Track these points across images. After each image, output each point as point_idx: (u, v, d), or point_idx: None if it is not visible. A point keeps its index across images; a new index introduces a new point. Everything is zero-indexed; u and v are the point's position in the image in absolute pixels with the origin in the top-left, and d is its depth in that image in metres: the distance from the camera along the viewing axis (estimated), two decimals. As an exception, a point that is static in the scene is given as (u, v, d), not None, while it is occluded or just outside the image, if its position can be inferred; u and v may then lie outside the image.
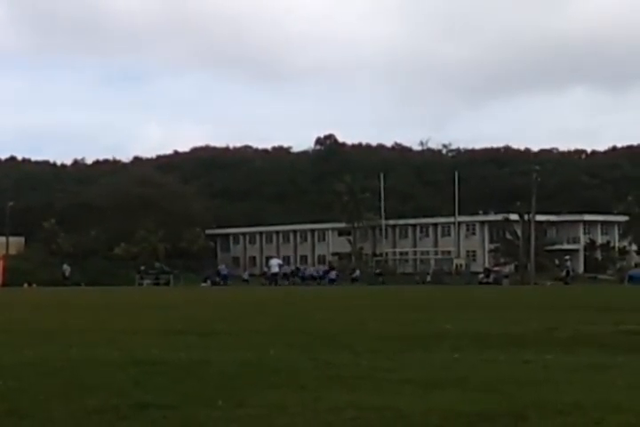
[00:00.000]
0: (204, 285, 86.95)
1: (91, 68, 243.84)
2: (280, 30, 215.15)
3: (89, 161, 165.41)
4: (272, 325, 16.04)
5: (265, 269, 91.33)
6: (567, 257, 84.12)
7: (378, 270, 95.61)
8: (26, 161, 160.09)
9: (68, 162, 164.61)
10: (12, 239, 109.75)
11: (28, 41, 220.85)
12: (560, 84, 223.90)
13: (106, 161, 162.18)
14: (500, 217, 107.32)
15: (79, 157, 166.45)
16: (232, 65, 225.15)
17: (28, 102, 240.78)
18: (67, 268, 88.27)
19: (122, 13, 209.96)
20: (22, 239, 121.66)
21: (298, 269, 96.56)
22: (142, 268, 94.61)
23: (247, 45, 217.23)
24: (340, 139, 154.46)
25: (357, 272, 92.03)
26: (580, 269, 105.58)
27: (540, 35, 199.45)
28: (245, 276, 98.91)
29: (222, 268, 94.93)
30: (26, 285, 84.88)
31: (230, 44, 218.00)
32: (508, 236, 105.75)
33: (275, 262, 75.89)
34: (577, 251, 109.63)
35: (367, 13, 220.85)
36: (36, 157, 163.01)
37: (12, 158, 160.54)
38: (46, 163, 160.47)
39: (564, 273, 78.93)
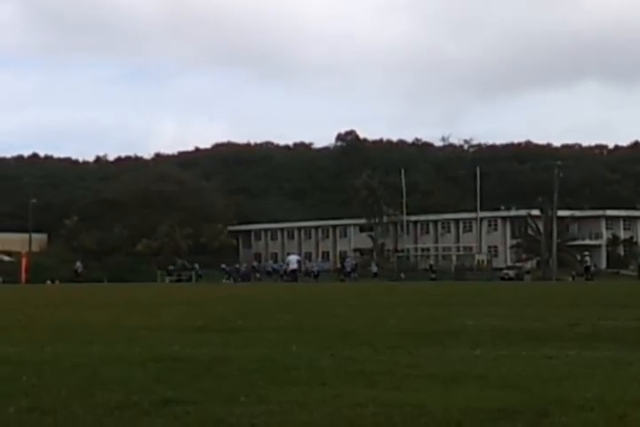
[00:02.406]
0: (225, 281, 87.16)
1: (107, 67, 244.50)
2: (294, 27, 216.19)
3: (111, 158, 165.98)
4: (292, 321, 16.03)
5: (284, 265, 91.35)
6: (586, 253, 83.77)
7: (430, 264, 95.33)
8: (48, 158, 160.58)
9: (90, 159, 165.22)
10: (34, 236, 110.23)
11: (43, 40, 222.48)
12: (573, 79, 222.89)
13: (127, 158, 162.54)
14: (521, 213, 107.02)
15: (101, 154, 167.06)
16: (247, 62, 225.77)
17: (47, 100, 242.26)
18: (79, 265, 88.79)
19: (137, 12, 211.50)
20: (45, 236, 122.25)
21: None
22: (171, 268, 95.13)
23: (262, 42, 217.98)
24: (361, 135, 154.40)
25: (375, 267, 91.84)
26: (603, 264, 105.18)
27: (553, 28, 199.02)
28: (269, 268, 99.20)
29: (268, 263, 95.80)
30: (48, 281, 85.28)
31: (245, 41, 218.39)
32: (530, 231, 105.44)
33: (294, 259, 75.90)
34: (599, 246, 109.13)
35: (380, 9, 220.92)
36: (58, 154, 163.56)
37: (35, 155, 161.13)
38: (68, 160, 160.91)
39: (583, 269, 78.63)
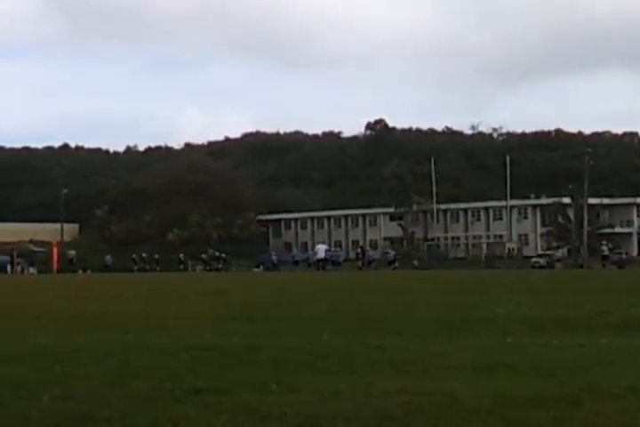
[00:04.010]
0: (255, 270, 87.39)
1: (137, 57, 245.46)
2: (321, 16, 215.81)
3: (141, 148, 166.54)
4: (322, 310, 16.06)
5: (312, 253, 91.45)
6: (604, 242, 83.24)
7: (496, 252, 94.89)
8: (79, 149, 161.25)
9: (121, 149, 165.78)
10: (66, 226, 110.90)
11: (72, 31, 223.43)
12: (601, 66, 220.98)
13: (158, 148, 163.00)
14: (552, 201, 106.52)
15: (131, 144, 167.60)
16: (275, 51, 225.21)
17: (77, 91, 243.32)
18: (109, 258, 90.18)
19: (165, 2, 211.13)
20: (76, 226, 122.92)
21: (357, 254, 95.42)
22: (204, 256, 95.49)
23: (289, 31, 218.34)
24: (390, 123, 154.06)
25: (392, 255, 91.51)
26: (634, 252, 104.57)
27: (580, 14, 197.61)
28: (296, 257, 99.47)
29: (295, 252, 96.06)
30: (80, 271, 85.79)
31: (272, 30, 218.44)
32: (561, 219, 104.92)
33: (322, 248, 75.91)
34: (630, 234, 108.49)
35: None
36: (89, 144, 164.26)
37: (66, 146, 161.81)
38: (99, 150, 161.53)
39: (601, 257, 78.25)
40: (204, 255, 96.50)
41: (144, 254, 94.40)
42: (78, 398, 6.35)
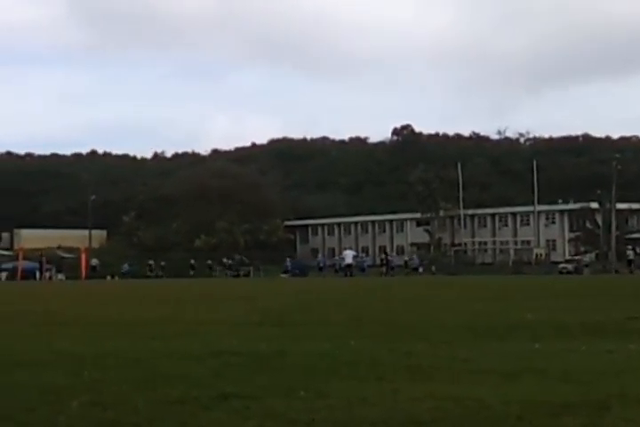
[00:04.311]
0: (283, 276, 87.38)
1: (163, 63, 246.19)
2: (345, 22, 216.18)
3: (168, 154, 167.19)
4: (349, 316, 16.05)
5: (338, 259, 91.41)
6: (629, 246, 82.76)
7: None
8: (107, 155, 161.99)
9: (148, 155, 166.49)
10: (94, 232, 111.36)
11: (98, 38, 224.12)
12: (629, 70, 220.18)
13: (185, 154, 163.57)
14: (579, 206, 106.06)
15: (159, 151, 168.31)
16: (300, 57, 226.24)
17: (105, 97, 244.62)
18: (125, 266, 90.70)
19: (190, 8, 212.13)
20: (104, 233, 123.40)
21: (382, 260, 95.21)
22: (230, 262, 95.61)
23: (314, 38, 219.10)
24: (417, 129, 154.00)
25: (416, 260, 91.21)
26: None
27: (603, 19, 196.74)
28: (321, 263, 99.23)
29: (320, 258, 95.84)
30: (108, 277, 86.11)
31: (298, 37, 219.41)
32: (589, 225, 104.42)
33: (350, 254, 75.87)
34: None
35: (426, 3, 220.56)
36: (116, 150, 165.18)
37: (93, 152, 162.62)
38: (126, 156, 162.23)
39: (626, 262, 77.67)
40: (229, 261, 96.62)
41: (162, 262, 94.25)
42: (106, 404, 6.37)
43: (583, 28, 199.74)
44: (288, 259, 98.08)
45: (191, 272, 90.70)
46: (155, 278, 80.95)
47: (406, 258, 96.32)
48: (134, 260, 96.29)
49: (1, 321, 15.96)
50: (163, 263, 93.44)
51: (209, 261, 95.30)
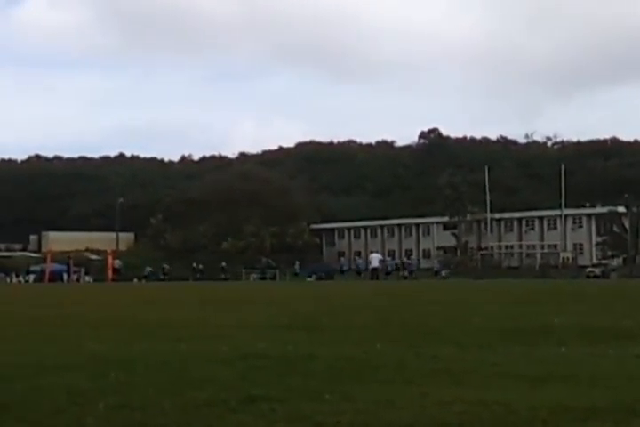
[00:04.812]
0: (309, 279, 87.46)
1: (190, 67, 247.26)
2: (371, 26, 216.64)
3: (195, 157, 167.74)
4: (376, 319, 16.03)
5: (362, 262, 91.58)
6: None
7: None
8: (134, 158, 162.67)
9: (176, 159, 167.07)
10: (122, 235, 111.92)
11: (126, 42, 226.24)
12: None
13: (212, 157, 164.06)
14: (607, 210, 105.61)
15: (186, 154, 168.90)
16: (327, 61, 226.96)
17: (132, 101, 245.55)
18: (148, 269, 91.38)
19: (218, 13, 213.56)
20: (132, 235, 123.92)
21: (403, 264, 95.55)
22: (258, 265, 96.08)
23: (340, 42, 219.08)
24: (444, 132, 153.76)
25: (437, 265, 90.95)
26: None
27: (632, 22, 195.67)
28: (345, 266, 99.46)
29: (343, 261, 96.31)
30: (135, 280, 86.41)
31: (324, 41, 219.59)
32: (616, 229, 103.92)
33: (376, 257, 75.94)
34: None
35: (456, 5, 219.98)
36: (144, 154, 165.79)
37: (121, 156, 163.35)
38: (154, 160, 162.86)
39: None
40: (256, 265, 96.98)
41: (196, 264, 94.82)
42: (134, 407, 6.39)
43: (611, 30, 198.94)
44: (297, 262, 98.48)
45: (222, 275, 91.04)
46: (190, 281, 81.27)
47: (433, 262, 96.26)
48: (161, 262, 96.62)
49: (29, 324, 16.04)
50: (200, 266, 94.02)
51: (241, 265, 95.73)
